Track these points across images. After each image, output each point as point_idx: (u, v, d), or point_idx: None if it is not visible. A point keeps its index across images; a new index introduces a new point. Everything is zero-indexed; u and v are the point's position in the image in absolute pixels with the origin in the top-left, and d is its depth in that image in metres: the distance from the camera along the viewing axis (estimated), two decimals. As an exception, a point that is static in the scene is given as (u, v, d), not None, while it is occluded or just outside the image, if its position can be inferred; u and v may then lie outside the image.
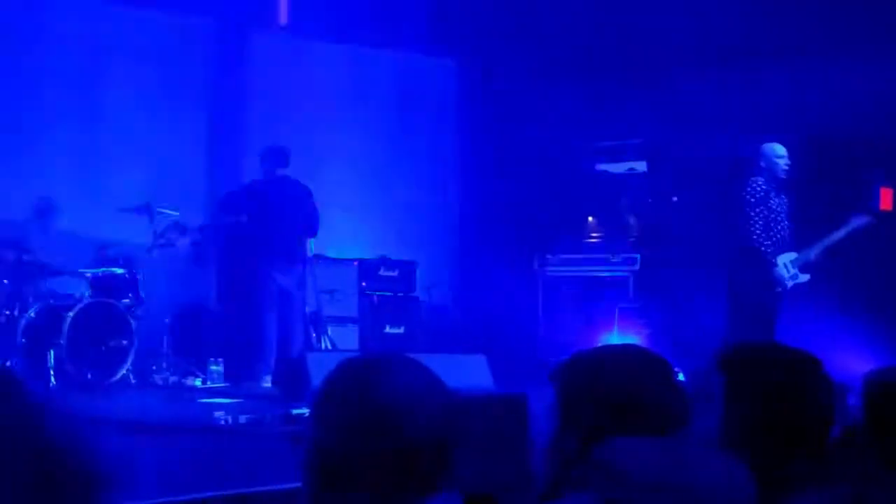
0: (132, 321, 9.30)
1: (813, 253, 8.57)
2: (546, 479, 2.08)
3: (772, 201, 8.49)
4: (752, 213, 8.42)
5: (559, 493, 1.98)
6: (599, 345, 2.18)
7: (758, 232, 8.42)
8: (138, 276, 9.59)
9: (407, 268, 11.02)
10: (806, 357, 2.56)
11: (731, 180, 8.93)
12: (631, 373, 2.09)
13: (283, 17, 11.84)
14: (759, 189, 8.44)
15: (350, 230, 11.27)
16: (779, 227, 8.53)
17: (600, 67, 11.25)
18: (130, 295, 9.49)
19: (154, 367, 9.53)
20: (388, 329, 10.60)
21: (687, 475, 1.93)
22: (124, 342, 9.16)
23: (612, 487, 1.90)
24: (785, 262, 8.51)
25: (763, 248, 8.42)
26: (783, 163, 8.50)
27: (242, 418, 6.38)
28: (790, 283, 8.52)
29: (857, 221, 8.62)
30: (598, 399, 2.06)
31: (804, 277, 8.56)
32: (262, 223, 9.44)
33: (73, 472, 1.32)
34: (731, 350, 2.60)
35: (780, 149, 8.55)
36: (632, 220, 11.14)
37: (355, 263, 10.74)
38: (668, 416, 2.07)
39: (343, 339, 10.15)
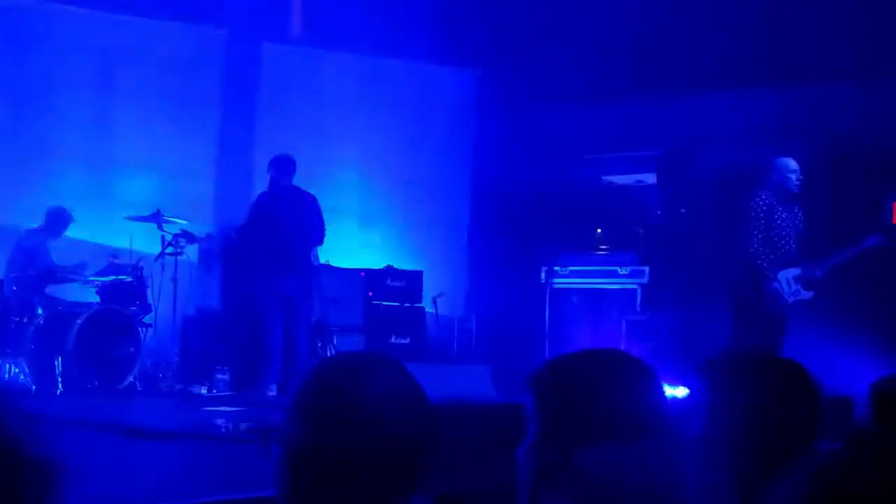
0: (139, 329, 9.35)
1: (819, 270, 8.37)
2: (525, 487, 2.07)
3: (777, 215, 8.31)
4: (752, 226, 8.28)
5: (538, 501, 1.98)
6: (576, 350, 2.16)
7: (755, 245, 8.26)
8: (146, 284, 9.64)
9: (413, 278, 11.01)
10: (791, 365, 2.56)
11: (737, 192, 8.85)
12: (611, 378, 2.08)
13: (296, 28, 11.88)
14: (762, 203, 8.31)
15: (357, 240, 11.27)
16: (782, 242, 8.34)
17: (611, 82, 11.25)
18: (138, 303, 9.55)
19: (160, 375, 9.55)
20: (393, 339, 10.59)
21: (667, 481, 1.92)
22: (131, 350, 9.20)
23: (591, 494, 1.90)
24: (787, 278, 8.31)
25: (760, 262, 8.27)
26: (795, 177, 8.36)
27: (244, 426, 6.39)
28: (791, 300, 8.30)
29: (870, 242, 8.32)
30: (577, 405, 2.05)
31: (806, 294, 8.35)
32: (268, 232, 9.45)
33: (23, 471, 1.31)
34: (716, 358, 2.61)
35: (792, 163, 8.39)
36: (640, 232, 11.11)
37: (362, 273, 10.75)
38: (648, 422, 2.06)
39: (348, 349, 10.13)
